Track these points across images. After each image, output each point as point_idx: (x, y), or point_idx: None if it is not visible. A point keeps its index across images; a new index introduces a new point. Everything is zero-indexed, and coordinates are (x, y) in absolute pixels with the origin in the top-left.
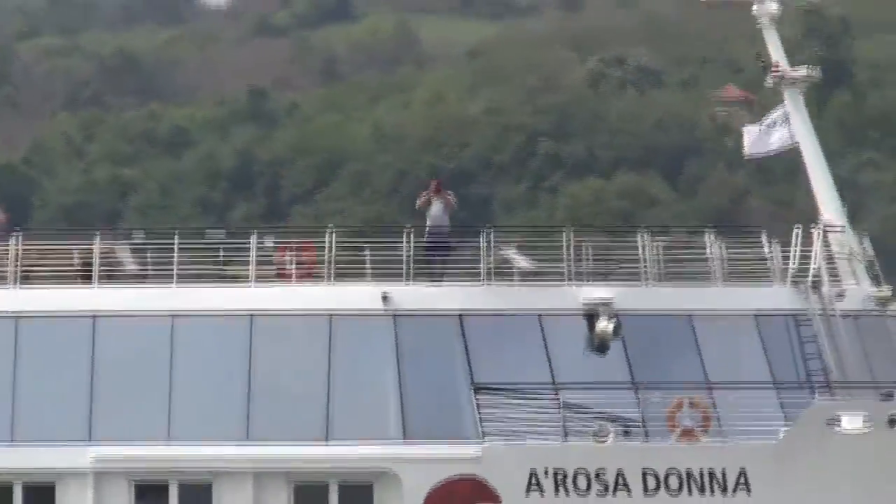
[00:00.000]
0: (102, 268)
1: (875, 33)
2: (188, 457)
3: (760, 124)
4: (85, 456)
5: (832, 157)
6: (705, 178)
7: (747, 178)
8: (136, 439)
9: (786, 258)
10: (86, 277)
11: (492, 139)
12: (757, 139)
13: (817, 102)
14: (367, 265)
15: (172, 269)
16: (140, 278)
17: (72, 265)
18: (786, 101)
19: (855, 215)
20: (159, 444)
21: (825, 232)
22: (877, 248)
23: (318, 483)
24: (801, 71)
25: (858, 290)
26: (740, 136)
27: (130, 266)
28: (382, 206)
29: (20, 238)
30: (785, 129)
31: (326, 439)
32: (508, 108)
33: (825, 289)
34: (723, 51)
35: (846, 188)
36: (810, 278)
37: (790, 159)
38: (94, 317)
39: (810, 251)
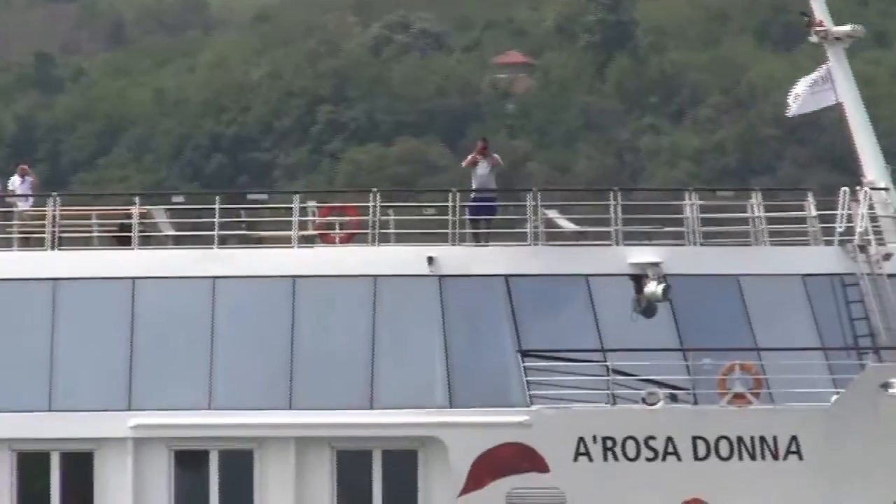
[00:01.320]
0: (140, 231)
1: None
2: (229, 424)
3: (805, 84)
4: (124, 424)
5: (612, 121)
6: None
7: (527, 143)
8: (177, 406)
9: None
10: (123, 241)
11: (273, 104)
12: (802, 99)
13: (597, 65)
14: (405, 227)
15: (213, 233)
16: (177, 241)
17: (108, 228)
18: (829, 59)
19: (635, 179)
20: (200, 411)
21: (871, 192)
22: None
23: (362, 450)
24: (846, 28)
25: None
26: (524, 99)
27: (167, 229)
28: (164, 172)
29: (57, 201)
30: (828, 87)
31: (371, 406)
32: (290, 73)
33: (872, 250)
34: (506, 14)
35: (626, 152)
36: (857, 239)
37: (570, 122)
38: (133, 280)
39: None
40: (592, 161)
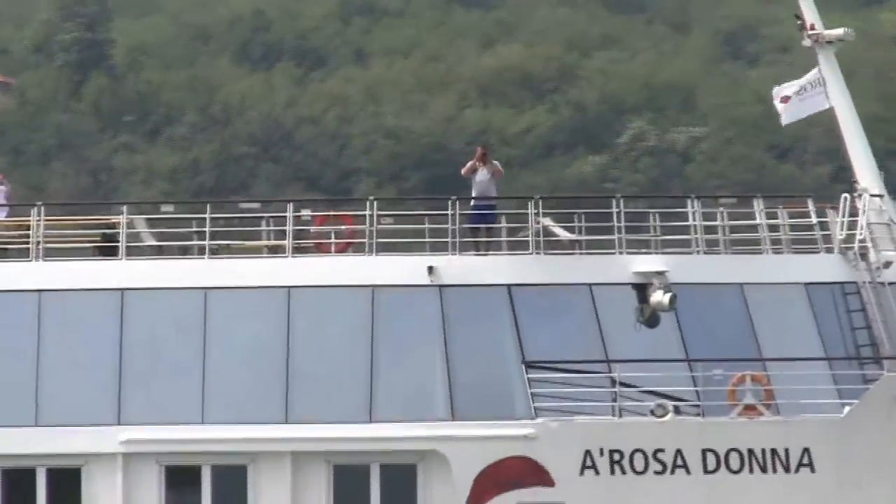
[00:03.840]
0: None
1: (136, 15)
2: (222, 438)
3: (793, 90)
4: (114, 438)
5: (87, 140)
6: None
7: (2, 162)
8: (168, 421)
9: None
10: (106, 251)
11: None
12: (791, 105)
13: (73, 84)
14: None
15: (204, 243)
16: (166, 252)
17: (92, 238)
18: (820, 64)
19: (109, 197)
20: (192, 425)
21: (869, 198)
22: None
23: (359, 464)
24: (838, 32)
25: None
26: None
27: (149, 240)
28: None
29: (42, 210)
30: (819, 92)
31: (369, 420)
32: None
33: (872, 257)
34: None
35: (101, 171)
36: (857, 246)
37: (45, 142)
38: (122, 291)
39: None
40: (67, 180)
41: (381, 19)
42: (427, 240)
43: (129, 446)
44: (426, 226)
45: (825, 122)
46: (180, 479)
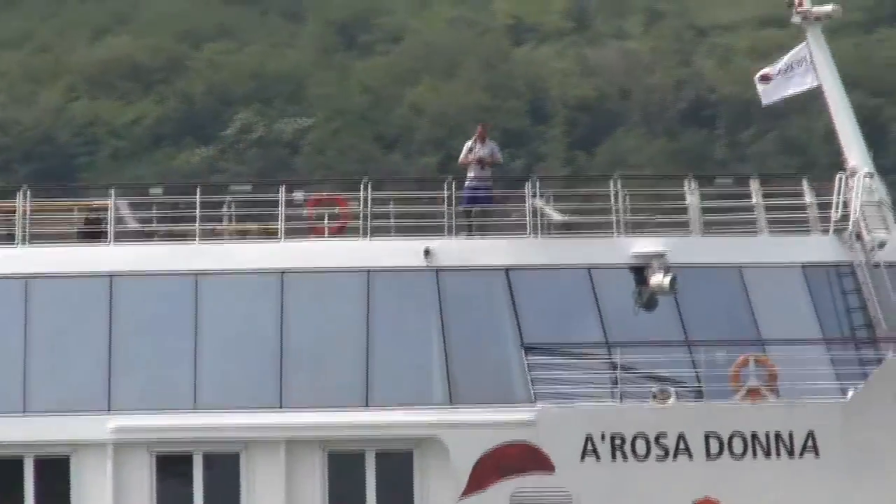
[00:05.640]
0: (105, 226)
1: None
2: (214, 426)
3: (776, 69)
4: (103, 426)
5: None
6: None
7: None
8: (159, 407)
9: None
10: (90, 235)
11: None
12: (774, 84)
13: None
14: (404, 219)
15: (194, 226)
16: (147, 236)
17: (76, 222)
18: (808, 40)
19: None
20: (184, 412)
21: (863, 178)
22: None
23: (355, 451)
24: (827, 8)
25: (892, 239)
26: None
27: (131, 223)
28: None
29: (27, 194)
30: (805, 69)
31: (366, 405)
32: None
33: (867, 238)
34: None
35: None
36: (851, 227)
37: None
38: (111, 276)
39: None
40: None
41: None
42: (423, 222)
43: (120, 434)
44: (421, 208)
45: (432, 113)
46: (172, 467)
